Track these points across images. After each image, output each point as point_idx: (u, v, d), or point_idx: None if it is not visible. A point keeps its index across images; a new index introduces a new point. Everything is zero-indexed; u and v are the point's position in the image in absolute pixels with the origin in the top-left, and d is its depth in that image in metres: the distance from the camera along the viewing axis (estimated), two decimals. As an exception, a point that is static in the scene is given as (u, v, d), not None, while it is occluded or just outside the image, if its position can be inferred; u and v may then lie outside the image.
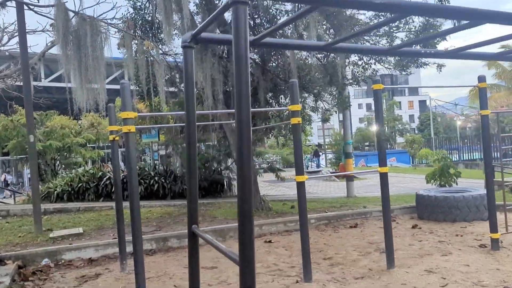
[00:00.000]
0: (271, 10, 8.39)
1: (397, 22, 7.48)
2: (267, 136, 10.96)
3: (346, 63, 8.91)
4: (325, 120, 10.67)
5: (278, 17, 8.26)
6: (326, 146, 40.55)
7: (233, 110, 5.74)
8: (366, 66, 8.92)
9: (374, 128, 59.10)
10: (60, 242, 7.00)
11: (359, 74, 9.17)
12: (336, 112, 12.69)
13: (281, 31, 7.62)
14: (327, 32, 8.03)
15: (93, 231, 7.84)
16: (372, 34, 7.95)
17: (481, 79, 5.49)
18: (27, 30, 8.55)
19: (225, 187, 13.20)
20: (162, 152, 17.46)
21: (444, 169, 9.76)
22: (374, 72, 9.38)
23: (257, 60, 8.98)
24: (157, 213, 9.70)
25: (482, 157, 25.39)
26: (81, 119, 20.72)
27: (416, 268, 5.00)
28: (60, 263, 6.05)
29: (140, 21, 9.16)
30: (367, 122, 64.16)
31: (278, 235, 7.31)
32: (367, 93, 66.85)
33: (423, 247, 5.96)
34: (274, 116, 10.26)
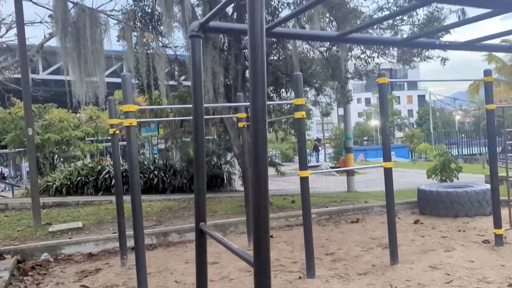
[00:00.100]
0: (272, 3, 8.28)
1: (401, 15, 7.40)
2: (268, 130, 10.87)
3: (349, 57, 8.81)
4: (326, 114, 10.60)
5: (280, 9, 8.16)
6: (325, 141, 40.50)
7: (234, 104, 5.64)
8: (369, 59, 8.83)
9: (374, 122, 59.11)
10: (60, 236, 6.94)
11: (361, 67, 9.07)
12: (336, 106, 12.62)
13: (282, 25, 7.49)
14: (330, 25, 7.93)
15: (93, 225, 7.77)
16: (376, 27, 7.85)
17: (487, 73, 5.42)
18: (25, 22, 8.42)
19: (225, 181, 13.14)
20: (162, 146, 17.39)
21: (446, 164, 9.71)
22: (377, 66, 9.29)
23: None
24: (157, 207, 9.64)
25: (481, 151, 25.51)
26: (79, 113, 20.59)
27: (420, 264, 4.94)
28: (60, 257, 6.00)
29: (140, 13, 9.03)
30: (366, 116, 64.14)
31: (279, 230, 7.26)
32: (366, 88, 66.69)
33: (426, 243, 5.91)
34: (275, 110, 10.18)
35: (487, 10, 1.75)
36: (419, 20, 8.10)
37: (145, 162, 13.41)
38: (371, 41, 1.96)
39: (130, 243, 5.99)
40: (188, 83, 10.70)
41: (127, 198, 6.18)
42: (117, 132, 5.50)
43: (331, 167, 22.83)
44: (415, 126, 61.69)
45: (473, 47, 2.32)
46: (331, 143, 34.91)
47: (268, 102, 9.95)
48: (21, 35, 7.94)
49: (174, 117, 12.61)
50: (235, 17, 8.28)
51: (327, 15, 7.52)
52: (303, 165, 4.62)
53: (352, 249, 5.85)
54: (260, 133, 1.23)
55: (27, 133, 7.88)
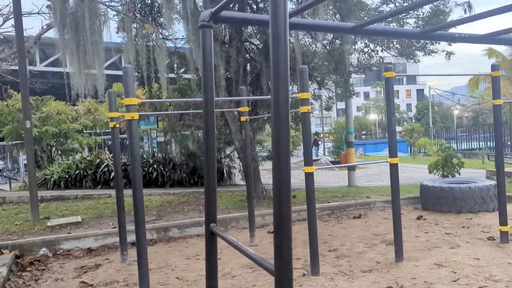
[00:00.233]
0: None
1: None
2: (271, 125, 10.75)
3: (352, 50, 8.69)
4: (327, 108, 10.49)
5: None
6: (324, 135, 40.41)
7: (235, 98, 5.52)
8: (372, 53, 8.71)
9: (372, 117, 59.06)
10: (58, 231, 6.85)
11: (365, 61, 8.95)
12: (335, 100, 12.47)
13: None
14: (334, 17, 7.80)
15: (92, 220, 7.68)
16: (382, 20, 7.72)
17: (495, 67, 5.32)
18: (22, 12, 8.27)
19: (225, 175, 13.06)
20: (161, 139, 17.28)
21: (448, 159, 9.63)
22: (381, 60, 9.17)
23: (260, 46, 8.76)
24: (157, 201, 9.55)
25: (480, 146, 25.48)
26: (77, 105, 20.41)
27: (425, 261, 4.87)
28: (59, 253, 5.91)
29: (140, 4, 8.88)
30: (365, 110, 64.07)
31: (281, 226, 7.17)
32: (365, 82, 66.53)
33: (430, 239, 5.84)
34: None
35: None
36: (423, 13, 7.99)
37: (144, 156, 13.30)
38: (388, 33, 1.86)
39: (130, 238, 5.92)
40: (188, 76, 10.57)
41: (126, 192, 6.10)
42: (118, 125, 5.39)
43: (331, 161, 22.78)
44: (413, 120, 61.66)
45: (493, 40, 2.23)
46: (330, 137, 34.81)
47: (269, 96, 9.85)
48: (18, 26, 7.79)
49: (174, 110, 12.49)
50: (236, 9, 8.13)
51: (331, 7, 7.40)
52: (308, 161, 4.53)
53: (355, 245, 5.78)
54: (282, 132, 1.13)
55: (24, 125, 7.76)
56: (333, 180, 14.33)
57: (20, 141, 17.53)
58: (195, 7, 7.09)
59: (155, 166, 12.29)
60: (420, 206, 8.17)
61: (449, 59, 8.29)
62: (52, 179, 12.00)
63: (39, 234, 6.57)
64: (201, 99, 7.19)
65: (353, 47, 8.68)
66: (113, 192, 10.18)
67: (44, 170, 13.17)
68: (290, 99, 10.44)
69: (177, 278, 4.72)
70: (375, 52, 8.69)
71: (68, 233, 6.49)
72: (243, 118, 6.10)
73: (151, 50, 8.15)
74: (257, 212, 6.81)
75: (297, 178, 16.16)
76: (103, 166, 12.11)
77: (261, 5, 8.57)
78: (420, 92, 74.67)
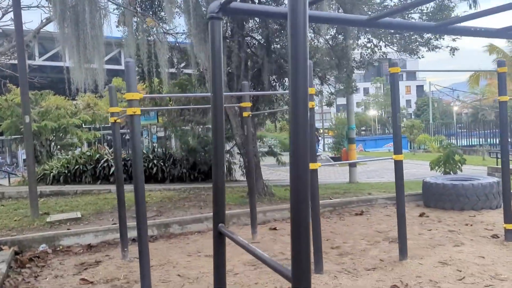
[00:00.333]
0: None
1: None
2: (272, 120, 10.70)
3: (354, 45, 8.59)
4: (329, 104, 10.42)
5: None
6: (324, 130, 40.36)
7: (237, 93, 5.42)
8: (375, 48, 8.62)
9: (372, 113, 58.98)
10: (58, 227, 6.80)
11: (368, 57, 8.86)
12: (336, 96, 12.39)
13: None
14: (337, 12, 7.69)
15: (92, 216, 7.62)
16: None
17: (501, 63, 5.25)
18: (21, 6, 8.16)
19: (225, 171, 12.98)
20: (161, 134, 17.20)
21: (450, 156, 9.58)
22: (384, 55, 9.09)
23: (261, 41, 8.66)
24: (157, 197, 9.49)
25: (480, 143, 25.43)
26: (76, 100, 20.30)
27: (429, 260, 4.82)
28: (58, 249, 5.84)
29: (140, -2, 8.77)
30: (364, 106, 63.97)
31: (283, 222, 7.13)
32: (364, 78, 66.35)
33: (433, 237, 5.79)
34: (278, 99, 10.00)
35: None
36: (427, 8, 7.90)
37: (144, 151, 13.24)
38: (403, 26, 1.81)
39: (131, 234, 5.86)
40: (189, 71, 10.48)
41: (126, 188, 6.03)
42: (119, 120, 5.32)
43: (331, 157, 22.73)
44: (413, 117, 61.60)
45: (509, 35, 2.16)
46: (330, 133, 34.75)
47: (275, 92, 9.77)
48: (17, 19, 7.69)
49: (173, 105, 12.39)
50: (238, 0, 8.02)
51: (333, 1, 7.30)
52: (313, 157, 4.46)
53: (358, 242, 5.72)
54: (301, 131, 1.06)
55: (24, 120, 7.68)
56: (333, 176, 14.27)
57: (19, 136, 17.44)
58: (196, 1, 6.99)
59: (155, 161, 12.23)
60: (422, 203, 8.12)
61: (453, 54, 8.21)
62: (52, 174, 11.93)
63: (39, 230, 6.51)
64: (201, 94, 7.13)
65: (356, 42, 8.59)
66: (112, 187, 10.13)
67: (43, 165, 13.11)
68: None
69: (179, 275, 4.66)
70: (378, 47, 8.60)
71: (68, 229, 6.42)
72: (245, 114, 6.02)
73: (152, 45, 8.05)
74: (258, 209, 6.75)
75: (297, 174, 16.13)
76: (102, 161, 12.04)
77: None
78: (419, 88, 74.55)
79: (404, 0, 7.93)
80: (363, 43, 8.74)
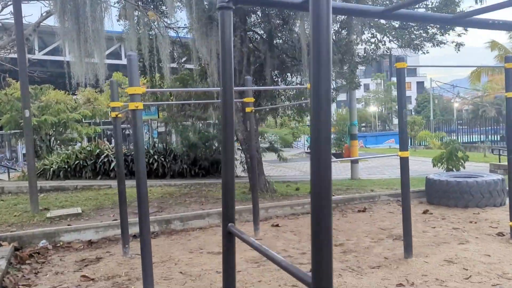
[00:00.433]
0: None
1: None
2: (274, 116, 10.61)
3: (358, 40, 8.50)
4: (332, 100, 10.30)
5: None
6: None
7: (240, 88, 5.31)
8: (380, 44, 8.52)
9: (372, 109, 58.85)
10: (58, 222, 6.73)
11: (371, 52, 8.76)
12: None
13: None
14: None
15: (92, 211, 7.56)
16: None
17: (509, 59, 5.17)
18: (21, -1, 8.06)
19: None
20: (161, 130, 17.11)
21: (453, 152, 9.50)
22: (388, 51, 8.99)
23: (264, 36, 8.57)
24: (158, 193, 9.42)
25: (481, 139, 25.37)
26: (76, 94, 20.19)
27: (435, 258, 4.76)
28: (59, 245, 5.79)
29: (141, -8, 8.66)
30: (365, 102, 63.80)
31: (285, 219, 7.06)
32: (365, 73, 66.12)
33: (438, 235, 5.73)
34: (280, 94, 9.91)
35: None
36: (432, 3, 7.80)
37: (145, 146, 13.16)
38: (418, 18, 1.74)
39: (132, 230, 5.80)
40: (190, 66, 10.38)
41: (127, 183, 5.96)
42: (120, 115, 5.24)
43: (332, 154, 22.67)
44: (413, 113, 61.46)
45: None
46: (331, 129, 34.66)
47: (279, 87, 9.67)
48: (17, 13, 7.60)
49: (174, 100, 12.31)
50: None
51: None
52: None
53: (361, 240, 5.66)
54: (323, 127, 0.99)
55: (23, 114, 7.60)
56: (334, 173, 14.20)
57: (18, 130, 17.35)
58: (198, -5, 6.89)
59: (155, 157, 12.16)
60: (425, 200, 8.06)
61: (459, 50, 8.12)
62: (51, 169, 11.86)
63: (39, 226, 6.45)
64: (203, 89, 7.02)
65: (360, 37, 8.48)
66: (113, 182, 10.06)
67: (43, 160, 13.03)
68: (294, 90, 10.25)
69: (181, 272, 4.60)
70: (383, 42, 8.50)
71: (68, 225, 6.36)
72: (248, 109, 5.93)
73: (153, 39, 7.96)
74: (260, 205, 6.69)
75: (298, 170, 16.07)
76: (103, 156, 11.97)
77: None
78: (420, 84, 74.32)
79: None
80: (367, 38, 8.64)
